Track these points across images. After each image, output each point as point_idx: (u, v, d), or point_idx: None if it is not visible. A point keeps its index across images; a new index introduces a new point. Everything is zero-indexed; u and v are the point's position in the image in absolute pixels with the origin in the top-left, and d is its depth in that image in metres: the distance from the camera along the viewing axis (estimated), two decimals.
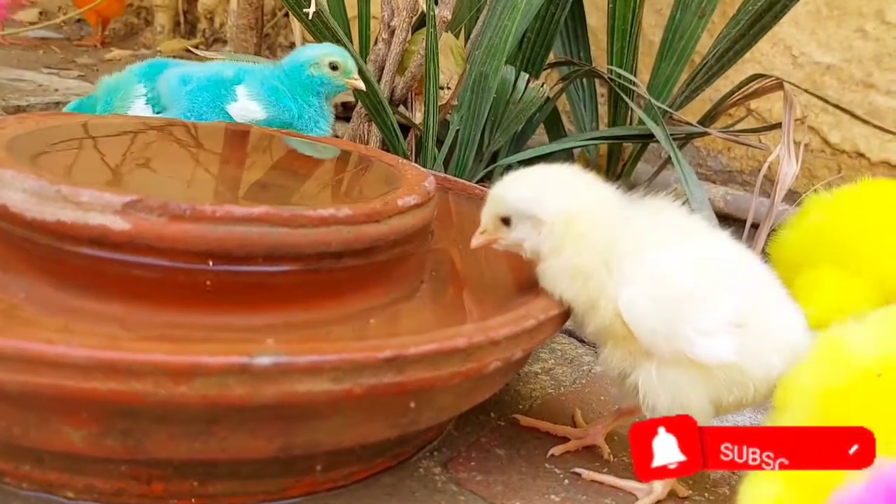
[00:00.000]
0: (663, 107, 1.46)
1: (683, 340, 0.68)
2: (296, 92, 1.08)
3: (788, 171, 1.35)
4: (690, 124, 1.49)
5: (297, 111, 1.08)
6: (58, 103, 1.82)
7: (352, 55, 1.30)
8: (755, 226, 1.40)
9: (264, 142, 0.96)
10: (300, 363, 0.56)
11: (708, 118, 1.59)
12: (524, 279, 0.79)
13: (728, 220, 1.63)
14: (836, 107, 1.40)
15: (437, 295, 0.78)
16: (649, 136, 1.45)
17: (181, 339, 0.62)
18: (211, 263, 0.67)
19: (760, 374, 0.70)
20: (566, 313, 0.73)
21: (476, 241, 0.76)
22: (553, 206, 0.71)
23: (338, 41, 1.37)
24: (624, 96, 1.51)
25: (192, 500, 0.65)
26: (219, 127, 0.99)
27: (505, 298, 0.75)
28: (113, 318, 0.66)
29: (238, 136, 0.97)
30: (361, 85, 1.13)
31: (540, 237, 0.72)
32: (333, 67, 1.08)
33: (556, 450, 0.79)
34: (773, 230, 1.22)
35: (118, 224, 0.66)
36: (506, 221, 0.74)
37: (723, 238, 0.75)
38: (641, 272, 0.70)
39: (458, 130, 1.51)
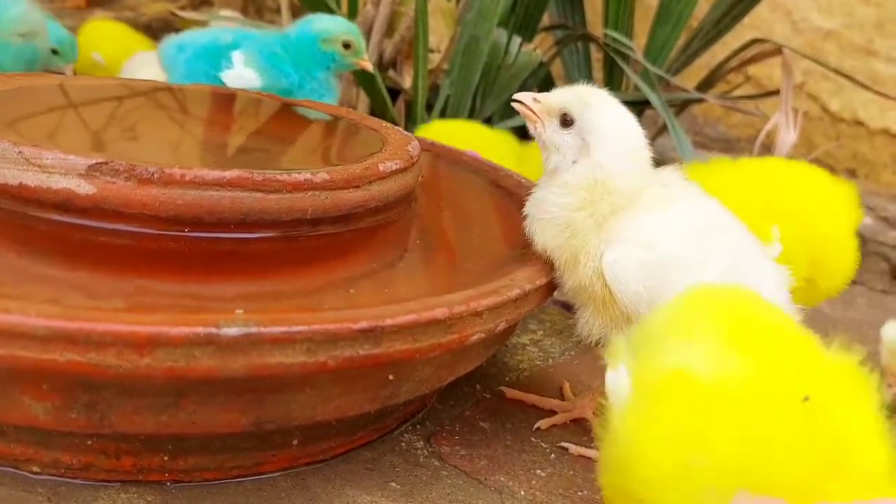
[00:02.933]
0: (659, 72, 1.42)
1: None
2: (301, 62, 1.04)
3: (786, 138, 1.32)
4: (686, 90, 1.45)
5: (299, 80, 1.03)
6: None
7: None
8: None
9: (249, 106, 0.92)
10: (271, 334, 0.54)
11: (705, 84, 1.56)
12: (514, 248, 0.76)
13: None
14: (836, 72, 1.36)
15: (422, 264, 0.75)
16: (645, 103, 1.41)
17: (146, 309, 0.59)
18: (184, 230, 0.64)
19: None
20: (552, 284, 0.70)
21: (521, 96, 0.71)
22: (610, 149, 0.68)
23: (324, 1, 1.33)
24: (619, 61, 1.47)
25: (165, 475, 0.63)
26: (204, 91, 0.95)
27: (492, 267, 0.72)
28: (78, 285, 0.63)
29: (223, 99, 0.94)
30: (370, 66, 1.09)
31: (575, 165, 0.68)
32: (346, 46, 1.04)
33: (543, 423, 0.77)
34: None
35: (83, 188, 0.63)
36: (565, 122, 0.69)
37: (710, 200, 0.72)
38: (627, 233, 0.67)
39: (448, 95, 1.48)
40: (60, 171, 0.63)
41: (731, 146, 1.69)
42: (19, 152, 0.63)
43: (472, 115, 1.51)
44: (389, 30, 1.50)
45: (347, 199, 0.69)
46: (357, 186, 0.70)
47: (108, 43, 1.57)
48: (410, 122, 1.46)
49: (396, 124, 1.43)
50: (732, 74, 1.56)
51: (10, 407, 0.56)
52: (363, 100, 1.50)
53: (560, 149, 0.69)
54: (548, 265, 0.70)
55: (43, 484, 0.61)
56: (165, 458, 0.62)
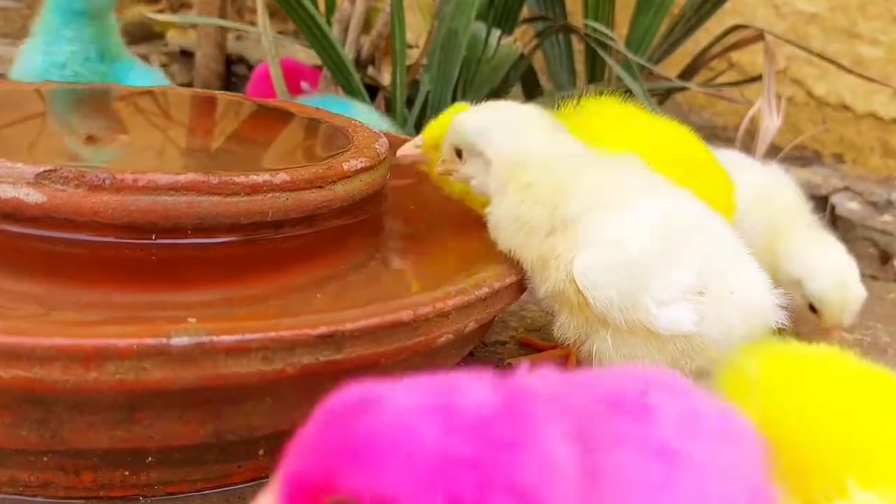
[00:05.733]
0: (641, 61, 1.40)
1: (642, 310, 0.64)
2: None
3: (770, 125, 1.31)
4: (669, 79, 1.43)
5: None
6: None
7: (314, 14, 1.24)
8: None
9: (216, 107, 0.90)
10: (223, 343, 0.52)
11: (689, 72, 1.54)
12: (486, 245, 0.74)
13: None
14: (820, 56, 1.35)
15: (391, 265, 0.73)
16: (627, 93, 1.39)
17: (98, 321, 0.57)
18: (140, 237, 0.62)
19: (722, 339, 0.66)
20: (523, 281, 0.68)
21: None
22: (500, 147, 0.68)
23: (301, 1, 1.31)
24: (601, 52, 1.45)
25: (128, 491, 0.61)
26: (171, 93, 0.93)
27: (463, 266, 0.70)
28: (31, 297, 0.61)
29: (188, 102, 0.92)
30: None
31: (489, 177, 0.69)
32: None
33: None
34: None
35: (32, 196, 0.60)
36: (459, 154, 0.71)
37: (683, 196, 0.70)
38: (596, 236, 0.65)
39: (428, 91, 1.46)
40: (8, 180, 0.60)
41: (715, 133, 1.67)
42: None
43: None
44: (366, 26, 1.48)
45: (310, 199, 0.67)
46: (320, 187, 0.68)
47: None
48: (391, 118, 1.44)
49: None
50: (716, 61, 1.53)
51: None
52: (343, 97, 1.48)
53: (473, 177, 0.71)
54: (518, 264, 0.68)
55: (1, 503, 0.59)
56: (126, 473, 0.60)
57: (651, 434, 0.38)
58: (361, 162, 0.72)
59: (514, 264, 0.68)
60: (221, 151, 0.78)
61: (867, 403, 0.50)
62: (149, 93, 0.91)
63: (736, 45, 1.44)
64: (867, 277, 1.29)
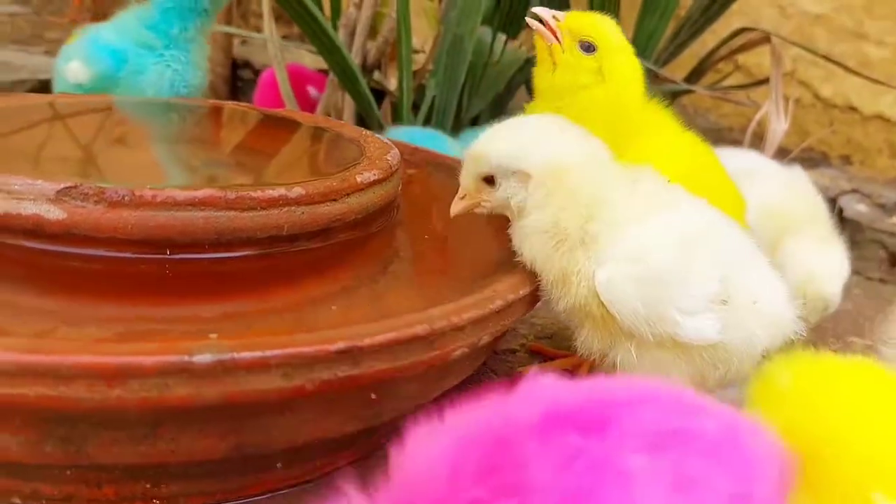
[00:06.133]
0: (647, 64, 1.40)
1: (668, 321, 0.64)
2: None
3: (777, 128, 1.31)
4: (675, 82, 1.44)
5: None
6: (24, 81, 1.76)
7: (320, 20, 1.24)
8: None
9: (224, 118, 0.91)
10: (245, 359, 0.52)
11: (695, 74, 1.54)
12: (499, 255, 0.75)
13: None
14: (826, 59, 1.35)
15: (405, 277, 0.74)
16: None
17: (120, 337, 0.58)
18: (158, 252, 0.63)
19: (745, 349, 0.66)
20: (536, 292, 0.69)
21: (456, 207, 0.71)
22: (542, 159, 0.66)
23: (307, 7, 1.31)
24: None
25: (148, 503, 0.62)
26: (177, 104, 0.94)
27: (476, 277, 0.71)
28: (52, 313, 0.62)
29: (196, 112, 0.93)
30: None
31: (528, 193, 0.67)
32: None
33: None
34: None
35: (53, 213, 0.61)
36: (489, 181, 0.69)
37: (702, 206, 0.70)
38: (618, 249, 0.65)
39: (434, 96, 1.46)
40: (29, 196, 0.61)
41: (721, 136, 1.68)
42: None
43: (458, 115, 1.49)
44: (372, 31, 1.48)
45: (325, 213, 0.68)
46: (334, 200, 0.69)
47: None
48: (397, 124, 1.45)
49: (382, 127, 1.42)
50: (722, 63, 1.54)
51: None
52: (349, 103, 1.48)
53: (512, 197, 0.68)
54: (532, 275, 0.69)
55: None
56: (148, 486, 0.60)
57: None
58: (374, 174, 0.73)
59: (527, 275, 0.68)
60: (235, 164, 0.79)
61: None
62: (161, 105, 0.92)
63: (742, 48, 1.45)
64: (875, 281, 1.29)
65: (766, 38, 1.37)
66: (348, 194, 0.70)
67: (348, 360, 0.55)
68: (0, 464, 0.58)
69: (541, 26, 0.77)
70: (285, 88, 1.46)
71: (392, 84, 1.52)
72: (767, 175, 1.04)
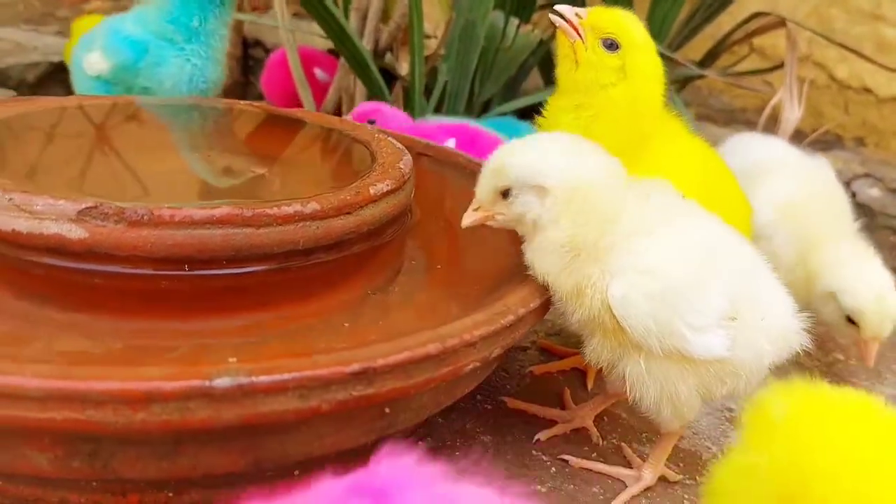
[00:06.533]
0: (660, 48, 1.40)
1: (677, 337, 0.65)
2: None
3: (790, 116, 1.31)
4: (687, 66, 1.43)
5: None
6: (37, 64, 1.77)
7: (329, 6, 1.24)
8: None
9: (233, 120, 0.92)
10: (263, 383, 0.54)
11: (710, 56, 1.53)
12: (508, 262, 0.76)
13: None
14: (841, 46, 1.34)
15: (416, 287, 0.75)
16: None
17: (141, 356, 0.59)
18: (178, 268, 0.64)
19: (753, 363, 0.68)
20: (547, 303, 0.70)
21: (469, 219, 0.70)
22: (561, 173, 0.67)
23: None
24: None
25: None
26: (186, 104, 0.95)
27: (487, 286, 0.72)
28: (76, 327, 0.64)
29: (206, 114, 0.94)
30: None
31: (544, 208, 0.67)
32: None
33: (543, 434, 0.78)
34: None
35: (74, 232, 0.63)
36: (505, 194, 0.68)
37: (715, 223, 0.71)
38: (630, 264, 0.66)
39: (446, 81, 1.46)
40: (51, 216, 0.63)
41: (735, 117, 1.67)
42: (10, 199, 0.63)
43: (470, 100, 1.49)
44: (385, 16, 1.48)
45: (339, 226, 0.69)
46: (348, 213, 0.70)
47: None
48: (409, 109, 1.45)
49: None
50: (738, 45, 1.53)
51: (14, 459, 0.57)
52: (360, 88, 1.49)
53: (527, 212, 0.68)
54: (542, 285, 0.70)
55: None
56: (170, 495, 0.63)
57: None
58: (387, 185, 0.74)
59: (537, 286, 0.69)
60: (251, 172, 0.80)
61: (888, 459, 0.51)
62: (178, 107, 0.93)
63: (757, 32, 1.44)
64: (888, 270, 1.29)
65: (780, 23, 1.36)
66: (362, 207, 0.71)
67: (363, 381, 0.57)
68: (30, 476, 0.61)
69: (563, 23, 0.77)
70: (298, 73, 1.47)
71: (404, 69, 1.51)
72: (791, 169, 1.03)
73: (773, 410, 0.55)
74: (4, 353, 0.60)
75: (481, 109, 1.52)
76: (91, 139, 0.84)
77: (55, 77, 1.77)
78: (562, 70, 0.79)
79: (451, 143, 1.13)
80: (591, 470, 0.74)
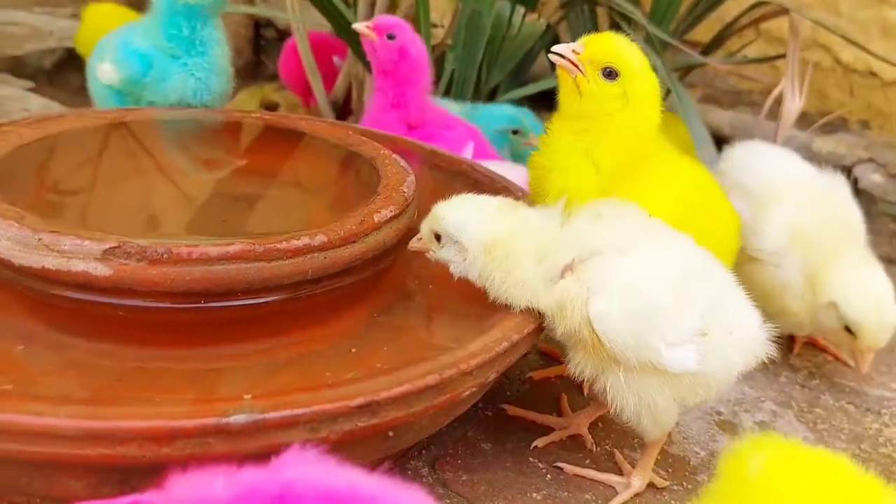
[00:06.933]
0: (664, 36, 1.41)
1: (653, 352, 0.70)
2: None
3: (792, 107, 1.32)
4: (691, 54, 1.44)
5: None
6: (53, 50, 1.80)
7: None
8: None
9: (251, 137, 0.96)
10: (274, 419, 0.59)
11: (717, 40, 1.55)
12: None
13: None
14: (843, 37, 1.35)
15: (418, 308, 0.80)
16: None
17: (160, 388, 0.64)
18: (195, 301, 0.69)
19: (723, 374, 0.73)
20: (541, 326, 0.74)
21: (412, 245, 0.78)
22: (472, 233, 0.73)
23: None
24: (624, 25, 1.46)
25: None
26: (196, 117, 0.99)
27: (484, 314, 0.75)
28: (104, 355, 0.69)
29: (210, 129, 0.98)
30: None
31: (465, 263, 0.74)
32: None
33: (541, 441, 0.83)
34: None
35: (100, 270, 0.68)
36: (438, 238, 0.76)
37: (685, 242, 0.75)
38: (608, 281, 0.71)
39: (453, 70, 1.49)
40: (78, 255, 0.68)
41: (741, 99, 1.69)
42: (39, 239, 0.68)
43: (478, 87, 1.52)
44: (392, 6, 1.50)
45: (346, 255, 0.74)
46: (354, 242, 0.75)
47: (112, 26, 1.58)
48: None
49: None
50: (745, 29, 1.54)
51: (51, 485, 0.62)
52: (370, 81, 1.51)
53: (453, 260, 0.75)
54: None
55: None
56: None
57: None
58: (391, 211, 0.78)
59: (531, 313, 0.74)
60: (256, 198, 0.84)
61: None
62: (180, 122, 0.97)
63: (762, 18, 1.45)
64: (883, 260, 1.32)
65: (783, 11, 1.37)
66: (367, 234, 0.75)
67: (367, 413, 0.62)
68: (66, 499, 0.67)
69: (563, 61, 0.80)
70: (308, 61, 1.50)
71: None
72: (803, 193, 1.02)
73: (748, 464, 0.57)
74: (42, 383, 0.66)
75: (488, 96, 1.55)
76: (105, 163, 0.88)
77: (71, 64, 1.80)
78: (565, 100, 0.82)
79: (468, 150, 1.16)
80: (584, 477, 0.79)
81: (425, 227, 0.76)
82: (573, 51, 0.79)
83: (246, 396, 0.60)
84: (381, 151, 0.91)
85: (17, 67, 1.75)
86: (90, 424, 0.57)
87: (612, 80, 0.80)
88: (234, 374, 0.69)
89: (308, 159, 0.94)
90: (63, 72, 1.81)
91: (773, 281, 0.97)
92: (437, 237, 0.75)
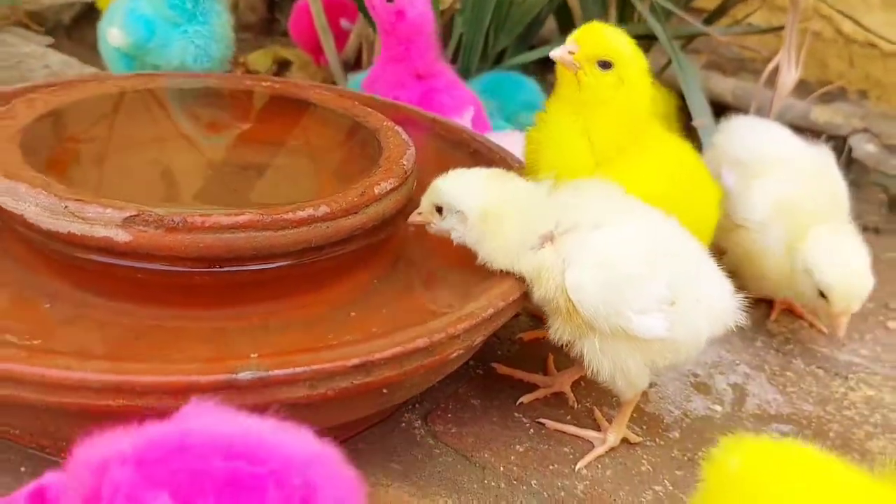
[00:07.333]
0: (667, 5, 1.44)
1: (623, 319, 0.76)
2: None
3: (787, 80, 1.36)
4: (694, 24, 1.47)
5: None
6: (72, 4, 1.84)
7: None
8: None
9: (260, 105, 1.01)
10: (278, 376, 0.66)
11: (722, 8, 1.57)
12: None
13: (738, 113, 1.63)
14: (839, 12, 1.37)
15: (413, 274, 0.86)
16: (653, 37, 1.44)
17: (175, 345, 0.71)
18: (207, 266, 0.75)
19: (691, 340, 0.79)
20: (525, 294, 0.80)
21: (412, 218, 0.84)
22: (471, 202, 0.79)
23: None
24: None
25: None
26: (207, 84, 1.04)
27: (474, 280, 0.81)
28: (125, 313, 0.76)
29: (218, 95, 1.03)
30: None
31: (465, 229, 0.81)
32: None
33: (526, 398, 0.89)
34: None
35: (120, 236, 0.74)
36: (439, 210, 0.82)
37: (656, 216, 0.81)
38: (584, 253, 0.77)
39: (461, 34, 1.52)
40: (101, 222, 0.74)
41: (744, 66, 1.71)
42: (65, 206, 0.74)
43: (485, 51, 1.56)
44: None
45: (347, 225, 0.80)
46: (355, 213, 0.80)
47: None
48: None
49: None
50: None
51: (77, 431, 0.69)
52: (379, 43, 1.55)
53: (455, 229, 0.81)
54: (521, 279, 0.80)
55: None
56: None
57: None
58: (391, 183, 0.84)
59: (517, 282, 0.80)
60: (265, 167, 0.90)
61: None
62: (191, 90, 1.03)
63: None
64: (870, 231, 1.37)
65: None
66: (367, 206, 0.81)
67: (362, 372, 0.68)
68: None
69: (562, 59, 0.87)
70: (320, 21, 1.54)
71: None
72: (788, 166, 1.07)
73: (728, 463, 0.62)
74: (67, 339, 0.73)
75: (495, 60, 1.59)
76: (123, 130, 0.94)
77: (89, 17, 1.84)
78: (565, 90, 0.89)
79: (468, 114, 1.21)
80: (564, 432, 0.86)
81: (426, 201, 0.83)
82: (569, 52, 0.86)
83: (253, 355, 0.67)
84: (385, 123, 0.96)
85: (36, 22, 1.79)
86: (115, 378, 0.64)
87: (607, 69, 0.86)
88: (241, 333, 0.76)
89: (315, 129, 0.99)
90: (81, 26, 1.86)
91: (755, 246, 1.04)
92: (438, 209, 0.81)
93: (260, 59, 1.89)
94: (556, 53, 0.87)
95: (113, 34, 1.19)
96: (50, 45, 1.65)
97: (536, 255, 0.79)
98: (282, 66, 1.88)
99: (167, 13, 1.14)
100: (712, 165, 1.07)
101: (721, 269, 0.82)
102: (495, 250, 0.79)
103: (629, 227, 0.79)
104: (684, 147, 0.96)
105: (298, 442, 0.58)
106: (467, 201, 0.79)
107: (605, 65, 0.86)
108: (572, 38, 0.87)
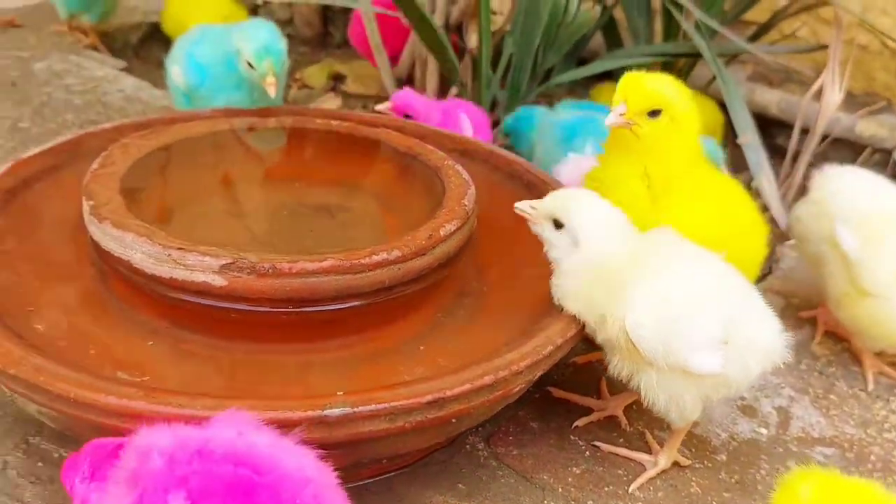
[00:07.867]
0: (712, 23, 1.48)
1: (680, 356, 0.82)
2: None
3: (831, 100, 1.40)
4: (736, 41, 1.51)
5: None
6: (139, 25, 1.93)
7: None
8: (805, 131, 1.46)
9: (325, 146, 1.10)
10: (363, 412, 0.74)
11: (767, 26, 1.61)
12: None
13: (783, 126, 1.67)
14: (871, 29, 1.40)
15: (476, 308, 0.93)
16: (698, 54, 1.49)
17: (272, 396, 0.79)
18: (293, 307, 0.84)
19: (741, 377, 0.85)
20: (582, 330, 0.87)
21: (521, 207, 0.89)
22: (597, 246, 0.85)
23: None
24: (674, 11, 1.54)
25: None
26: (281, 126, 1.13)
27: (533, 318, 0.88)
28: (219, 349, 0.85)
29: (292, 137, 1.13)
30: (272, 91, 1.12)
31: (567, 256, 0.86)
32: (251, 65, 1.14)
33: (581, 421, 0.96)
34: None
35: (217, 281, 0.82)
36: (558, 225, 0.87)
37: (709, 260, 0.87)
38: (643, 298, 0.83)
39: (511, 53, 1.58)
40: (199, 268, 0.83)
41: (790, 77, 1.74)
42: (169, 254, 0.83)
43: (534, 70, 1.61)
44: None
45: (416, 266, 0.88)
46: (423, 255, 0.88)
47: (202, 13, 1.70)
48: (476, 80, 1.58)
49: (464, 84, 1.57)
50: (796, 15, 1.60)
51: None
52: (432, 61, 1.62)
53: (557, 246, 0.87)
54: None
55: None
56: None
57: None
58: (454, 224, 0.91)
59: (574, 319, 0.86)
60: (337, 208, 0.99)
61: None
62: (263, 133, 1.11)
63: (807, 8, 1.51)
64: None
65: (824, 2, 1.44)
66: (434, 247, 0.88)
67: (435, 407, 0.76)
68: None
69: (617, 123, 0.93)
70: (375, 40, 1.61)
71: (473, 42, 1.63)
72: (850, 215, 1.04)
73: (800, 493, 0.68)
74: (171, 375, 0.81)
75: (544, 77, 1.64)
76: (209, 172, 1.03)
77: (156, 37, 1.94)
78: (622, 140, 0.96)
79: (466, 121, 1.28)
80: (617, 454, 0.93)
81: (546, 207, 0.87)
82: (621, 114, 0.93)
83: (339, 393, 0.75)
84: (445, 162, 1.04)
85: (106, 43, 1.89)
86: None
87: (656, 117, 0.93)
88: (323, 366, 0.84)
89: (380, 168, 1.07)
90: (149, 46, 1.95)
91: (881, 313, 1.02)
92: (557, 224, 0.86)
93: (315, 74, 1.97)
94: (610, 121, 0.93)
95: (174, 73, 1.26)
96: (123, 69, 1.74)
97: (604, 306, 0.85)
98: (336, 80, 1.96)
99: (220, 70, 1.20)
100: (814, 221, 1.08)
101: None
102: (569, 295, 0.86)
103: (684, 273, 0.85)
104: (731, 183, 1.02)
105: (301, 461, 0.65)
106: (596, 242, 0.85)
107: (655, 113, 0.93)
108: (619, 97, 0.93)
